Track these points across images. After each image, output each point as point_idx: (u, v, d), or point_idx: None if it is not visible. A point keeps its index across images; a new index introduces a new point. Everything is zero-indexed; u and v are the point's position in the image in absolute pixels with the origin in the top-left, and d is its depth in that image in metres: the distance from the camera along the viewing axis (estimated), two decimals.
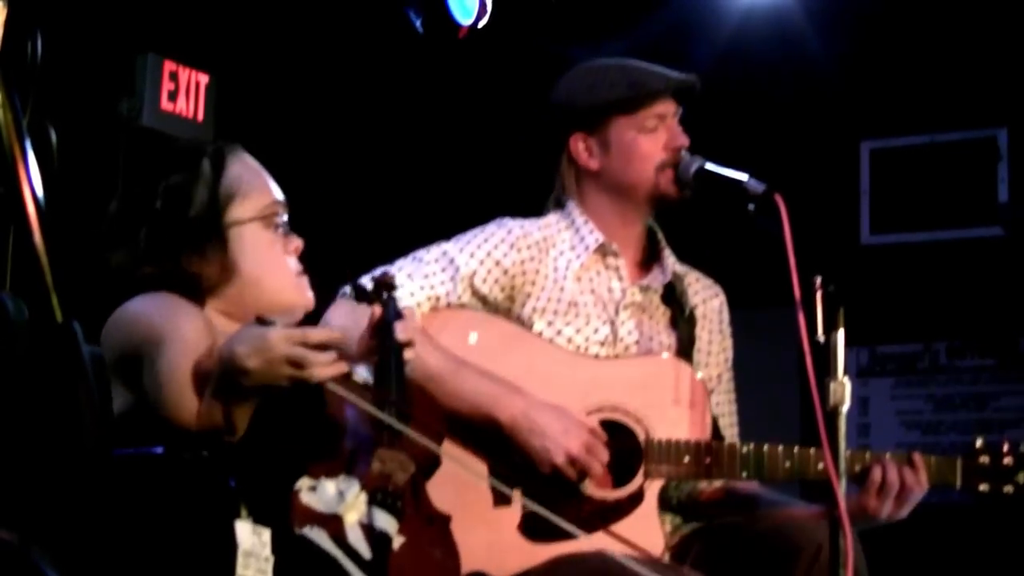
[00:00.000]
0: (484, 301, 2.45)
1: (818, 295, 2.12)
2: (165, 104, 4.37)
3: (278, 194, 2.10)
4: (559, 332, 2.46)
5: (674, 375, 2.43)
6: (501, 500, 2.35)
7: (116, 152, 4.26)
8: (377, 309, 1.99)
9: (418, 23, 3.67)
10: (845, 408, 2.11)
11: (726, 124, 2.67)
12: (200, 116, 4.46)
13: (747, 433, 2.60)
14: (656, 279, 2.55)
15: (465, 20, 3.67)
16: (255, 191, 2.06)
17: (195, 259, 2.01)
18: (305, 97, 4.62)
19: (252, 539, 1.73)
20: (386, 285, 2.01)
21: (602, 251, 2.52)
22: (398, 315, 1.99)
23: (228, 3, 4.38)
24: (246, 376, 1.77)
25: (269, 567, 1.74)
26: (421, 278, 2.42)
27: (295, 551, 1.82)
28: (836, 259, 2.25)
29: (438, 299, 2.42)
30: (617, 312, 2.50)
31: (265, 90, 4.57)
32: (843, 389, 2.10)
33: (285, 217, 2.10)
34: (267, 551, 1.74)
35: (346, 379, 1.92)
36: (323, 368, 1.79)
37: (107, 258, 2.06)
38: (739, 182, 2.37)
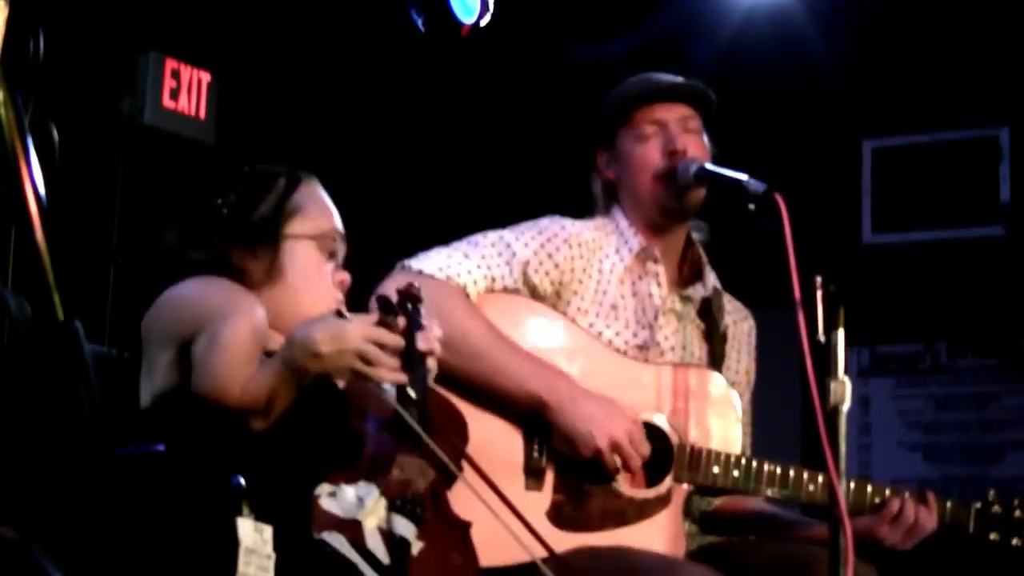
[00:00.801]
0: (533, 291, 2.48)
1: (819, 295, 2.12)
2: (167, 102, 4.37)
3: (339, 226, 2.18)
4: (599, 334, 2.49)
5: (712, 388, 2.48)
6: (533, 485, 2.37)
7: (118, 150, 4.26)
8: (401, 321, 2.02)
9: (420, 22, 3.67)
10: (846, 407, 2.11)
11: (727, 123, 2.66)
12: (202, 114, 4.46)
13: (755, 431, 2.62)
14: (697, 291, 2.60)
15: (467, 19, 3.68)
16: (320, 215, 2.15)
17: (245, 254, 2.08)
18: (307, 96, 4.63)
19: (254, 536, 1.74)
20: (411, 297, 2.04)
21: (643, 256, 2.55)
22: (420, 326, 2.02)
23: (230, 1, 4.38)
24: (315, 359, 1.83)
25: (271, 564, 1.75)
26: (479, 258, 2.45)
27: (313, 556, 1.83)
28: (837, 258, 2.25)
29: (494, 280, 2.45)
30: (656, 317, 2.53)
31: (267, 89, 4.58)
32: (843, 388, 2.11)
33: (341, 250, 2.15)
34: (269, 548, 1.75)
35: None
36: (389, 372, 1.85)
37: (159, 237, 2.10)
38: (739, 182, 2.38)
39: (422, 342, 2.00)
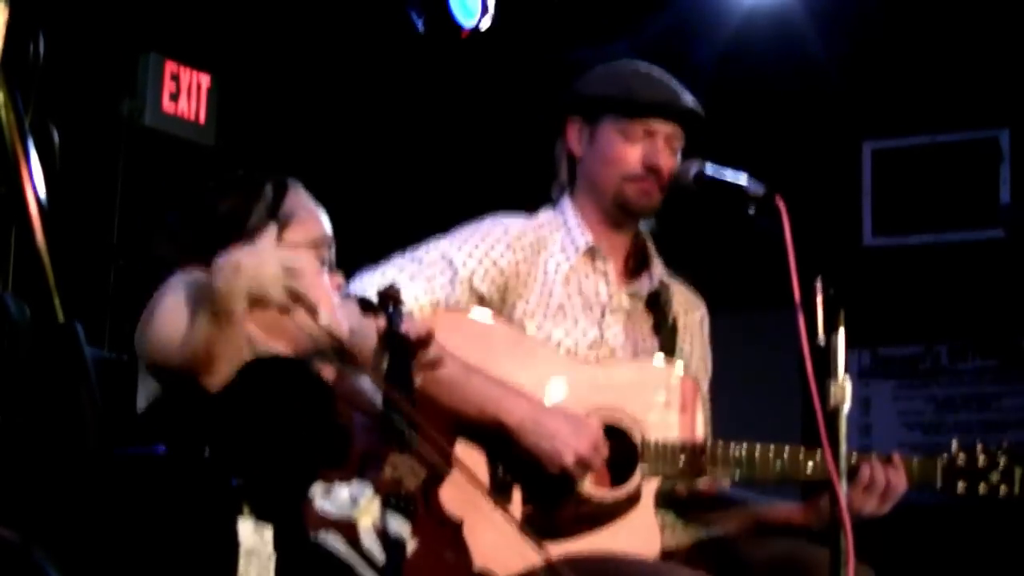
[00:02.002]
0: (480, 299, 2.47)
1: (819, 297, 2.12)
2: (167, 105, 4.38)
3: (329, 230, 2.17)
4: (548, 335, 2.48)
5: (668, 378, 2.47)
6: (502, 502, 2.36)
7: (117, 153, 4.27)
8: (382, 321, 2.02)
9: (420, 24, 3.68)
10: (846, 409, 2.12)
11: (727, 124, 2.66)
12: (202, 117, 4.47)
13: (748, 436, 2.61)
14: (644, 286, 2.58)
15: (467, 21, 3.68)
16: (311, 221, 2.14)
17: None
18: (307, 98, 4.63)
19: (254, 538, 1.74)
20: (392, 298, 2.03)
21: (591, 254, 2.53)
22: (403, 324, 2.02)
23: (230, 4, 4.39)
24: (236, 274, 1.76)
25: (271, 565, 1.75)
26: (424, 281, 2.44)
27: (308, 556, 1.83)
28: (838, 261, 2.25)
29: (439, 302, 2.44)
30: (603, 315, 2.52)
31: (267, 91, 4.58)
32: (843, 391, 2.11)
33: (332, 254, 2.15)
34: (269, 549, 1.75)
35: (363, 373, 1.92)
36: (317, 287, 1.79)
37: (150, 248, 2.10)
38: (739, 184, 2.37)
39: (411, 330, 2.00)
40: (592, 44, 4.49)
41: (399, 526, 1.88)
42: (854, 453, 2.42)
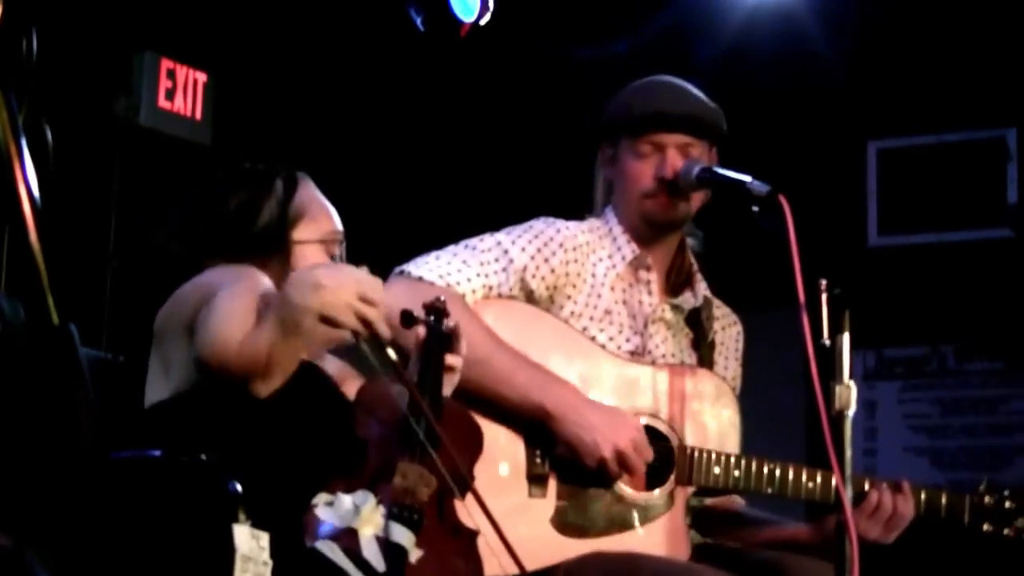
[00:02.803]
0: (529, 295, 2.50)
1: (823, 297, 2.12)
2: (162, 103, 4.38)
3: (339, 226, 2.19)
4: (593, 338, 2.51)
5: (708, 388, 2.51)
6: (537, 492, 2.40)
7: (113, 152, 4.27)
8: (422, 330, 2.02)
9: (419, 21, 3.68)
10: (851, 412, 2.12)
11: (730, 124, 2.67)
12: (198, 115, 4.47)
13: (752, 437, 2.63)
14: (687, 301, 2.62)
15: (467, 18, 3.68)
16: (322, 216, 2.17)
17: (259, 266, 2.08)
18: (305, 96, 4.63)
19: (250, 543, 1.74)
20: (436, 311, 2.06)
21: (636, 263, 2.58)
22: (445, 338, 2.05)
23: (227, 1, 4.38)
24: (315, 292, 1.82)
25: (268, 571, 1.75)
26: (477, 265, 2.47)
27: (306, 564, 1.83)
28: (842, 261, 2.25)
29: (491, 288, 2.47)
30: (646, 326, 2.55)
31: (264, 89, 4.58)
32: (848, 393, 2.11)
33: (342, 250, 2.17)
34: (265, 555, 1.75)
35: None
36: (384, 322, 1.86)
37: (164, 245, 2.11)
38: (742, 183, 2.38)
39: (448, 356, 2.03)
40: (593, 41, 4.50)
41: (401, 535, 1.88)
42: (866, 480, 2.47)
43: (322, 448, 1.98)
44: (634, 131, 2.56)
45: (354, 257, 2.35)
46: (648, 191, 2.54)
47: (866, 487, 2.46)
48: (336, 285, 1.83)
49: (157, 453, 1.84)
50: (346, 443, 2.00)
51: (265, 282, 1.97)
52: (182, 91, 4.43)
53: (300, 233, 2.13)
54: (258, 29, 4.45)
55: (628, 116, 2.57)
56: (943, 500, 2.52)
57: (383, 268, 2.52)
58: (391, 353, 1.89)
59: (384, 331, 1.86)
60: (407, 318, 2.06)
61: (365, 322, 1.85)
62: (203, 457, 1.82)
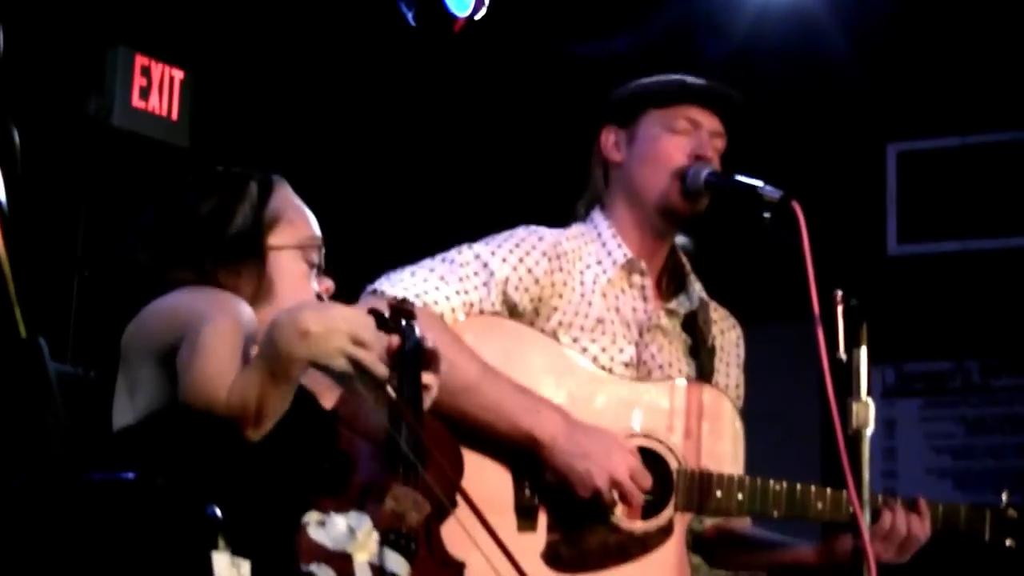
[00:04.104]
0: (512, 309, 2.48)
1: (839, 309, 2.13)
2: (137, 102, 4.38)
3: (318, 232, 2.19)
4: (584, 349, 2.49)
5: (710, 404, 2.49)
6: (526, 526, 2.38)
7: (83, 154, 4.27)
8: (395, 339, 2.03)
9: (410, 15, 3.69)
10: (869, 431, 2.12)
11: (744, 127, 2.67)
12: (175, 115, 4.48)
13: (765, 458, 2.63)
14: (682, 304, 2.60)
15: (461, 12, 3.69)
16: (299, 221, 2.17)
17: (231, 274, 2.09)
18: (289, 95, 4.64)
19: (230, 571, 1.74)
20: (404, 313, 2.04)
21: (629, 267, 2.55)
22: (419, 344, 2.03)
23: None
24: (302, 340, 1.82)
25: None
26: (456, 281, 2.45)
27: None
28: (860, 271, 2.26)
29: (472, 305, 2.45)
30: (641, 334, 2.53)
31: (246, 87, 4.59)
32: (866, 411, 2.12)
33: (320, 258, 2.17)
34: None
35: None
36: (381, 362, 1.86)
37: (134, 256, 2.11)
38: (754, 188, 2.38)
39: (424, 375, 2.02)
40: (596, 37, 4.51)
41: (397, 564, 1.88)
42: (879, 496, 2.45)
43: (304, 465, 1.98)
44: (668, 101, 2.52)
45: (344, 262, 2.36)
46: (678, 170, 2.49)
47: (879, 504, 2.44)
48: (325, 331, 1.83)
49: (131, 476, 1.84)
50: (329, 458, 1.99)
51: (246, 313, 1.97)
52: (157, 89, 4.44)
53: (276, 238, 2.13)
54: (239, 23, 4.46)
55: (661, 86, 2.53)
56: (962, 514, 2.50)
57: (367, 275, 2.53)
58: (390, 392, 1.88)
59: (380, 372, 1.86)
60: (380, 321, 2.05)
61: (358, 365, 1.85)
62: (180, 480, 1.82)
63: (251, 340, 1.92)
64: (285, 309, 1.90)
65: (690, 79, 2.56)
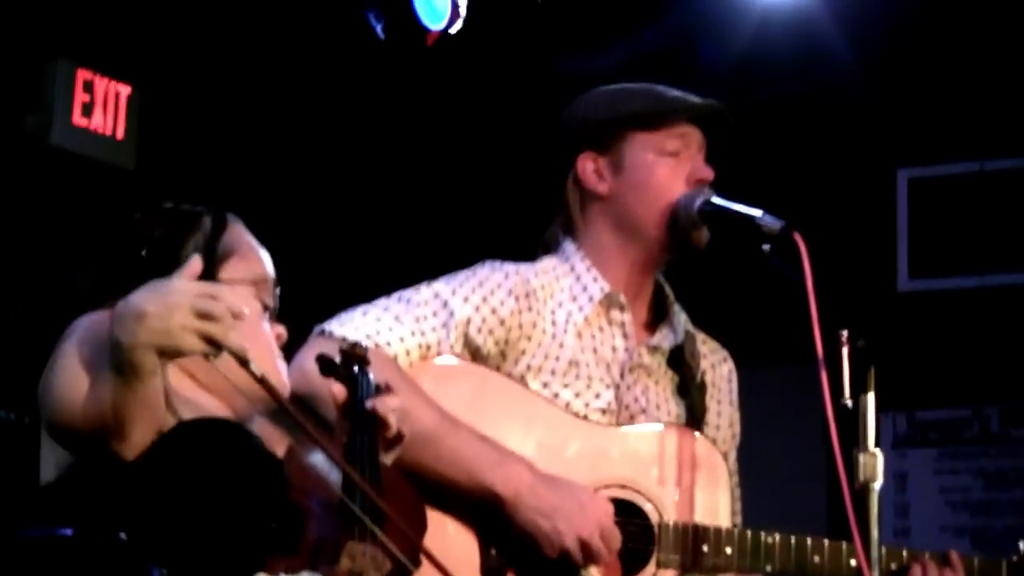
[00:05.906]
0: (476, 353, 2.47)
1: (845, 351, 2.14)
2: (78, 119, 4.39)
3: (272, 272, 2.19)
4: (556, 395, 2.48)
5: (693, 450, 2.48)
6: None
7: (19, 175, 4.27)
8: (339, 387, 2.01)
9: (379, 28, 3.71)
10: (877, 485, 2.13)
11: (739, 149, 2.68)
12: (120, 134, 4.48)
13: (765, 513, 2.63)
14: (666, 339, 2.58)
15: (434, 25, 3.72)
16: (252, 257, 2.17)
17: None
18: (244, 114, 4.64)
19: None
20: (357, 358, 2.03)
21: (607, 303, 2.53)
22: (375, 390, 2.02)
23: (154, 1, 4.40)
24: (141, 323, 1.78)
25: None
26: (412, 322, 2.44)
27: None
28: (867, 308, 2.27)
29: (429, 347, 2.45)
30: (622, 376, 2.52)
31: (197, 104, 4.59)
32: (874, 463, 2.12)
33: (275, 301, 2.17)
34: None
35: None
36: (233, 333, 1.81)
37: (72, 282, 2.11)
38: (752, 218, 2.39)
39: (379, 407, 2.01)
40: (583, 52, 4.53)
41: None
42: (904, 551, 2.45)
43: (252, 520, 1.97)
44: (657, 123, 2.50)
45: (301, 305, 2.36)
46: (677, 200, 2.46)
47: (904, 559, 2.43)
48: (163, 308, 1.79)
49: (69, 532, 1.83)
50: (279, 514, 1.99)
51: (96, 322, 1.94)
52: (101, 106, 4.45)
53: (229, 272, 2.12)
54: (192, 34, 4.47)
55: (649, 106, 2.51)
56: (1004, 570, 2.51)
57: (321, 316, 2.53)
58: (254, 370, 1.83)
59: (236, 345, 1.81)
60: (325, 366, 2.04)
61: (211, 341, 1.81)
62: (121, 536, 1.82)
63: (101, 347, 1.89)
64: (122, 299, 1.86)
65: (670, 93, 2.55)
